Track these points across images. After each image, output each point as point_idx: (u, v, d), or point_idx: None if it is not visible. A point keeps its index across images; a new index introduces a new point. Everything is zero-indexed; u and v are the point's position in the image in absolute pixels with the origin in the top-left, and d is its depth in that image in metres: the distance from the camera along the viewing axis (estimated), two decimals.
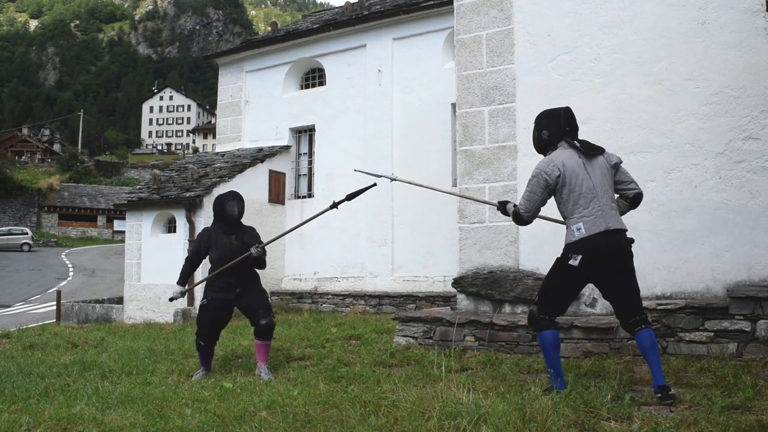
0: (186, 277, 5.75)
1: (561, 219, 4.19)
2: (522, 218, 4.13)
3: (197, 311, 5.82)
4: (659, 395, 3.70)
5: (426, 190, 11.08)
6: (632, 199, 4.15)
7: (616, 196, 4.16)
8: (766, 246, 5.27)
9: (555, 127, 4.12)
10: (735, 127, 5.46)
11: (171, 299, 5.82)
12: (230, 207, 5.64)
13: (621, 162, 4.13)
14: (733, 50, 5.51)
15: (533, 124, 4.31)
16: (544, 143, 4.19)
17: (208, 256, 5.65)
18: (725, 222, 5.42)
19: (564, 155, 4.01)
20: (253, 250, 5.38)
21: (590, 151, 4.03)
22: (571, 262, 3.92)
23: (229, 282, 5.50)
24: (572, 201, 3.94)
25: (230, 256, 5.49)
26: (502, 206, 4.33)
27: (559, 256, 4.08)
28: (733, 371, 4.26)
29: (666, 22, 5.80)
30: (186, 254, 11.48)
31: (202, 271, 11.53)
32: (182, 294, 5.75)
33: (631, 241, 4.03)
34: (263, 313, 5.46)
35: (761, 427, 3.09)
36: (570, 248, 3.95)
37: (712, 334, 5.04)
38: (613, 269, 3.92)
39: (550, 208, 4.23)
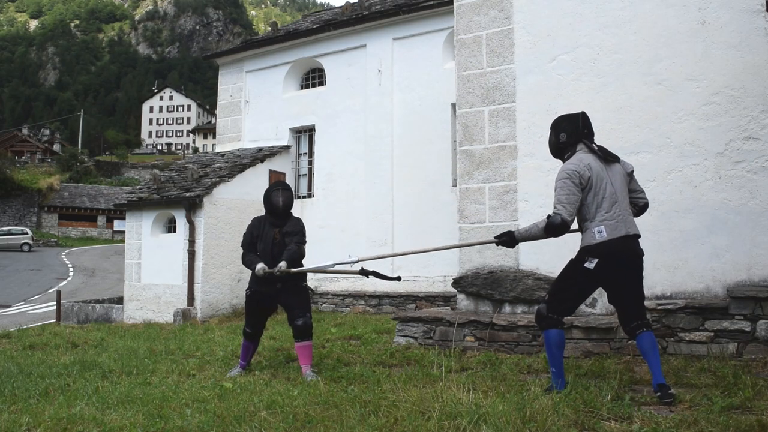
0: (253, 262, 5.40)
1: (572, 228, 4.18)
2: (567, 224, 3.87)
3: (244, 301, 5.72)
4: (659, 393, 3.71)
5: (426, 189, 11.14)
6: (641, 208, 4.21)
7: None
8: (766, 246, 5.27)
9: (573, 129, 4.12)
10: (735, 127, 5.46)
11: (269, 274, 5.30)
12: (275, 197, 5.51)
13: (634, 170, 4.18)
14: (733, 50, 5.51)
15: (550, 129, 4.29)
16: (562, 146, 4.17)
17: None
18: (725, 222, 5.42)
19: (588, 158, 4.01)
20: (275, 271, 5.20)
21: (608, 156, 4.04)
22: (587, 265, 3.90)
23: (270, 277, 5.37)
24: (596, 204, 3.92)
25: (272, 250, 5.40)
26: (508, 238, 4.13)
27: (573, 257, 4.07)
28: (733, 371, 4.27)
29: (666, 22, 5.80)
30: (186, 254, 11.60)
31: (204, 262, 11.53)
32: (264, 270, 5.29)
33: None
34: (299, 312, 5.34)
35: (761, 427, 3.09)
36: (588, 251, 3.93)
37: (712, 334, 5.04)
38: (626, 275, 3.94)
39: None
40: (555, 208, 3.91)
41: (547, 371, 4.83)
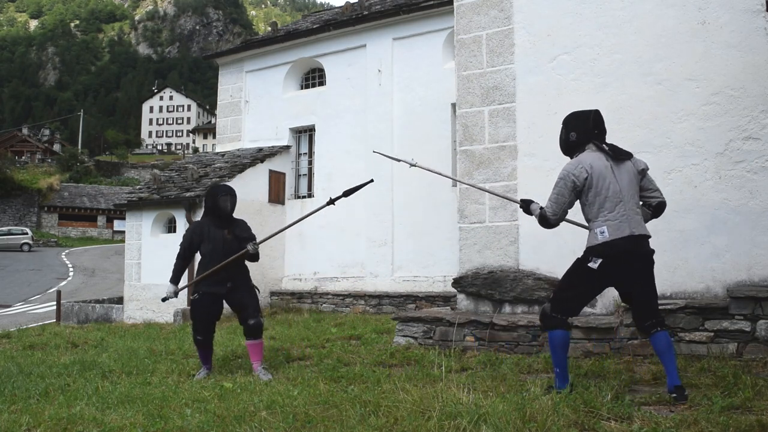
0: (179, 274, 5.64)
1: (582, 222, 4.16)
2: (549, 221, 4.01)
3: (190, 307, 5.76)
4: (674, 395, 3.70)
5: (426, 189, 11.13)
6: (655, 208, 4.10)
7: (640, 203, 4.13)
8: (766, 246, 5.27)
9: (583, 129, 4.05)
10: (735, 127, 5.46)
11: (164, 299, 5.71)
12: (223, 202, 5.58)
13: (648, 168, 4.09)
14: (733, 50, 5.51)
15: (561, 126, 4.24)
16: (571, 145, 4.13)
17: (199, 250, 5.62)
18: (725, 222, 5.42)
19: (592, 157, 3.95)
20: (249, 247, 5.37)
21: (618, 155, 3.97)
22: (590, 264, 3.87)
23: (220, 276, 5.45)
24: (598, 204, 3.89)
25: (223, 248, 5.46)
26: (525, 205, 4.23)
27: (579, 257, 4.03)
28: (733, 371, 4.26)
29: (666, 22, 5.80)
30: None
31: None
32: (176, 294, 5.64)
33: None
34: (251, 312, 5.42)
35: (761, 427, 3.09)
36: (591, 251, 3.91)
37: (712, 334, 5.04)
38: (632, 275, 3.90)
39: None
40: (546, 203, 4.01)
41: (547, 371, 4.84)
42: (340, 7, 13.91)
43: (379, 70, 12.12)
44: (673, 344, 5.12)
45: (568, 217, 4.19)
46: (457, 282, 6.55)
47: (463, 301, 6.53)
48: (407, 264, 11.44)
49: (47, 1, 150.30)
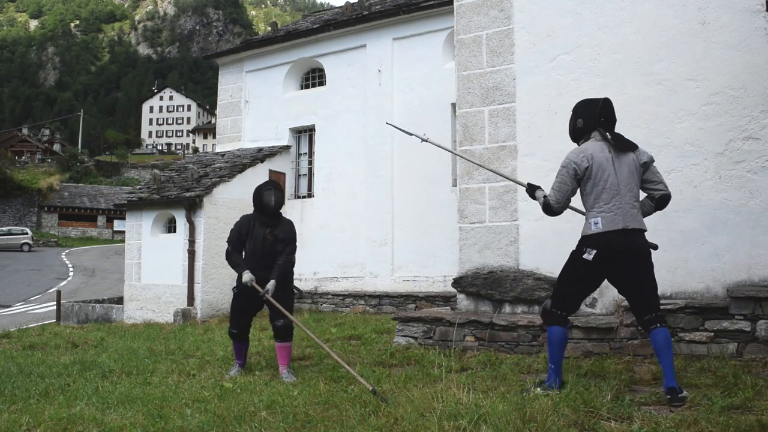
0: (242, 263, 5.38)
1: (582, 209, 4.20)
2: (552, 209, 4.07)
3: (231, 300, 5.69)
4: (668, 396, 3.70)
5: (426, 189, 11.14)
6: (658, 200, 4.13)
7: (644, 195, 4.14)
8: (766, 246, 5.27)
9: (590, 117, 4.10)
10: (735, 127, 5.46)
11: (250, 285, 5.31)
12: (267, 196, 5.50)
13: (653, 161, 4.10)
14: (733, 50, 5.51)
15: (571, 113, 4.28)
16: (578, 131, 4.18)
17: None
18: (725, 222, 5.42)
19: (595, 147, 4.00)
20: (261, 294, 5.19)
21: (621, 146, 4.00)
22: (585, 256, 3.91)
23: (260, 275, 5.36)
24: (594, 194, 3.93)
25: (262, 250, 5.38)
26: (531, 189, 4.30)
27: (574, 249, 4.07)
28: (733, 371, 4.27)
29: (666, 22, 5.80)
30: (186, 254, 11.59)
31: (201, 263, 11.54)
32: (252, 278, 5.29)
33: (654, 246, 4.02)
34: (281, 313, 5.32)
35: (761, 427, 3.09)
36: (585, 241, 3.95)
37: (712, 334, 5.04)
38: (628, 268, 3.92)
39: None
40: (549, 191, 4.07)
41: (546, 370, 4.84)
42: (340, 7, 13.91)
43: (379, 70, 12.12)
44: (673, 344, 5.14)
45: (571, 204, 4.22)
46: (457, 282, 6.55)
47: (463, 301, 6.53)
48: (407, 264, 11.43)
49: (47, 1, 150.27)
